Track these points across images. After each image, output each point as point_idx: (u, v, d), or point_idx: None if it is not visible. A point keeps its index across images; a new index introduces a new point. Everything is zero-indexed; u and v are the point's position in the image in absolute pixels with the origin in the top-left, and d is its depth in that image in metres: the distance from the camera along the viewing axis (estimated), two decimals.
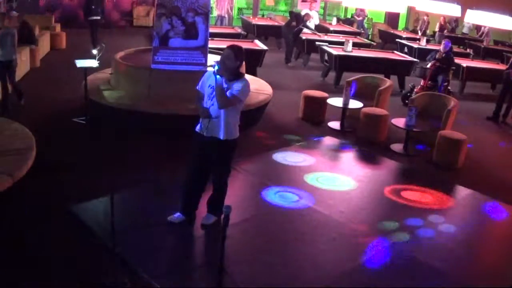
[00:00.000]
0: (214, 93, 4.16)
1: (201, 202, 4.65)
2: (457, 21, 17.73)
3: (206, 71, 4.50)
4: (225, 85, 4.15)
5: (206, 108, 4.24)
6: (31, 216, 4.52)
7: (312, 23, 13.96)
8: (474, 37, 17.48)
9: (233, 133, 4.33)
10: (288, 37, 12.91)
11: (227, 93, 4.11)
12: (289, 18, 13.80)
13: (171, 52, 7.20)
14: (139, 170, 5.66)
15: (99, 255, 4.03)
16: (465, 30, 18.58)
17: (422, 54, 12.13)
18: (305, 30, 13.40)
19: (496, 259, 4.79)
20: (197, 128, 4.39)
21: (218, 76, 4.05)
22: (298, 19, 13.27)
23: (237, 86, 4.14)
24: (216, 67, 4.02)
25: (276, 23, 15.57)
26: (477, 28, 17.12)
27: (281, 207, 5.16)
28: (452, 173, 6.61)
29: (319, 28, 14.55)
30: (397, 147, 7.26)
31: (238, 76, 4.21)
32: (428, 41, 14.28)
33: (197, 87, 4.41)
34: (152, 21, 15.89)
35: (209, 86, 4.25)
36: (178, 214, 4.60)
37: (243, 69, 7.49)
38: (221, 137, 4.26)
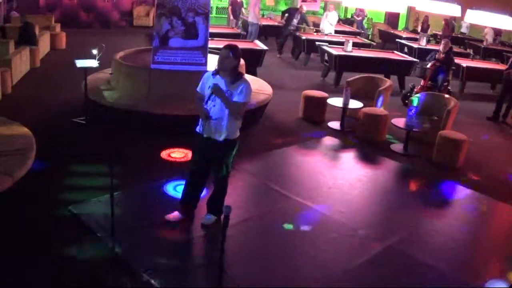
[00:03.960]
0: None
1: (201, 202, 4.66)
2: (455, 21, 17.74)
3: (206, 71, 4.51)
4: (225, 88, 4.16)
5: (206, 109, 4.23)
6: (31, 216, 4.52)
7: (327, 23, 14.10)
8: (474, 37, 17.44)
9: (234, 134, 4.33)
10: (284, 33, 13.54)
11: (234, 99, 4.13)
12: (286, 18, 13.96)
13: (171, 52, 7.19)
14: (139, 170, 5.67)
15: (99, 255, 4.03)
16: (463, 30, 18.56)
17: (422, 54, 12.13)
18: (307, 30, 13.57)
19: (496, 259, 4.79)
20: (198, 128, 4.39)
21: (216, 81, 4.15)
22: (290, 13, 13.53)
23: (240, 90, 4.14)
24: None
25: (276, 23, 15.59)
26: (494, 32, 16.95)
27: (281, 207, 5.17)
28: (452, 173, 6.61)
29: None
30: (397, 147, 7.26)
31: (238, 76, 4.21)
32: (428, 41, 14.29)
33: (197, 89, 4.42)
34: (152, 21, 15.89)
35: (209, 88, 4.25)
36: (176, 212, 4.61)
37: (243, 69, 7.52)
38: (222, 138, 4.26)
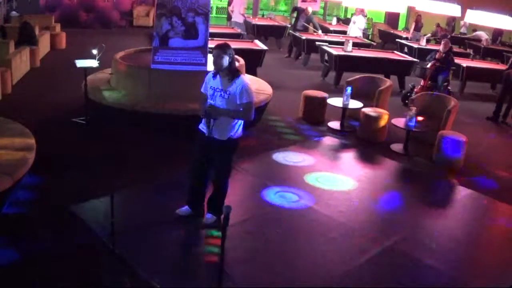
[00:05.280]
0: (215, 94, 4.24)
1: None
2: (454, 21, 17.73)
3: (206, 71, 4.53)
4: (223, 87, 4.21)
5: (207, 108, 4.24)
6: (31, 216, 4.52)
7: (355, 28, 14.08)
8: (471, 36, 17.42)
9: (236, 133, 4.36)
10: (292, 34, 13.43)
11: (237, 99, 4.18)
12: (294, 17, 14.00)
13: (171, 52, 7.20)
14: (139, 170, 5.66)
15: (99, 255, 4.03)
16: (462, 30, 18.55)
17: (422, 54, 12.13)
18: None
19: (496, 259, 4.79)
20: (200, 127, 4.41)
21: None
22: (298, 13, 13.54)
23: (240, 92, 4.17)
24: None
25: (276, 23, 15.58)
26: (495, 32, 16.93)
27: (281, 207, 5.16)
28: (451, 173, 6.60)
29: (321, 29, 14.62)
30: (397, 147, 7.26)
31: (235, 75, 4.23)
32: (428, 41, 14.28)
33: (201, 89, 4.46)
34: (152, 21, 15.90)
35: (210, 88, 4.32)
36: (185, 207, 4.64)
37: (242, 68, 7.53)
38: (223, 136, 4.28)
